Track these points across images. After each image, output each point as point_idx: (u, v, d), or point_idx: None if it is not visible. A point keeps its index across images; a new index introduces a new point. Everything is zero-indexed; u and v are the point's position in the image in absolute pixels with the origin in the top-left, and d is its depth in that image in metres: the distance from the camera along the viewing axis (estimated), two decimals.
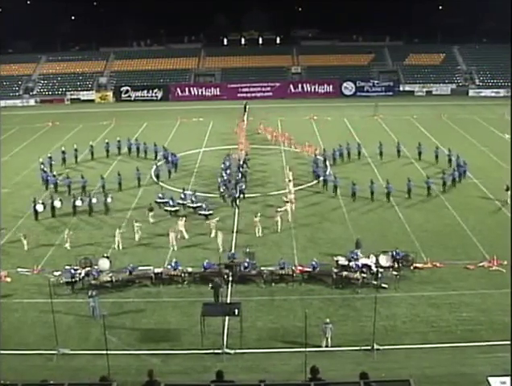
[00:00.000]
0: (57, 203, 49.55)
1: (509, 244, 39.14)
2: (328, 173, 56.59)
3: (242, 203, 50.38)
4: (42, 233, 45.78)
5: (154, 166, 58.91)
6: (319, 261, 38.24)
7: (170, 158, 60.73)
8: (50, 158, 61.19)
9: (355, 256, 38.47)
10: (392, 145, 64.39)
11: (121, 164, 63.16)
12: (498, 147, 64.59)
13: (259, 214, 45.67)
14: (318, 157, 60.50)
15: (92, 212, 49.90)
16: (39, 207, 48.65)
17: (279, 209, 47.02)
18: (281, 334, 32.22)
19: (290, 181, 53.74)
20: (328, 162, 60.13)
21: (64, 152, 63.56)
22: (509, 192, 49.96)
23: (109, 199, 50.74)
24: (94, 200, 50.44)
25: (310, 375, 18.34)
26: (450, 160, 59.35)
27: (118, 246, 42.77)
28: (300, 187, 54.51)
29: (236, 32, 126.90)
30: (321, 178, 55.43)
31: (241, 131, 69.66)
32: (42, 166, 58.47)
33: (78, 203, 49.96)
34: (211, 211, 47.75)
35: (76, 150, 63.92)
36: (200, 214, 47.80)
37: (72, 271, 37.26)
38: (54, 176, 56.67)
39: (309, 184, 55.30)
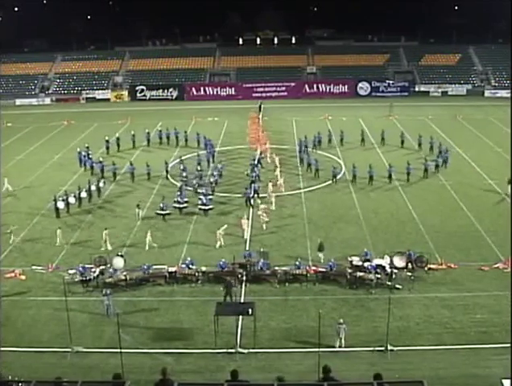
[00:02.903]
0: (72, 200, 50.11)
1: (510, 243, 39.13)
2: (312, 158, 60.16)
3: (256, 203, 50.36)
4: (55, 231, 45.98)
5: (196, 156, 61.37)
6: (335, 262, 38.26)
7: (208, 149, 63.22)
8: (87, 147, 63.73)
9: (368, 257, 38.48)
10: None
11: (162, 152, 66.44)
12: None
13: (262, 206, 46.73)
14: (302, 143, 63.90)
15: (91, 199, 52.02)
16: (60, 204, 48.99)
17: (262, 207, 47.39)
18: (294, 334, 32.23)
19: (276, 167, 56.63)
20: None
21: (107, 141, 67.29)
22: (510, 186, 51.03)
23: (101, 184, 53.44)
24: (93, 187, 52.65)
25: (322, 375, 18.34)
26: (432, 147, 63.72)
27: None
28: (314, 188, 54.56)
29: (251, 32, 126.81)
30: (305, 162, 60.32)
31: (257, 129, 69.72)
32: (84, 154, 61.88)
33: (83, 194, 51.33)
34: (211, 206, 49.17)
35: (118, 139, 68.77)
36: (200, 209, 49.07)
37: (82, 269, 37.55)
38: (100, 162, 59.85)
39: (323, 184, 55.24)
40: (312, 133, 68.22)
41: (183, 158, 60.87)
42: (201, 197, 49.31)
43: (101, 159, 60.86)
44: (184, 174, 55.65)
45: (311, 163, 58.91)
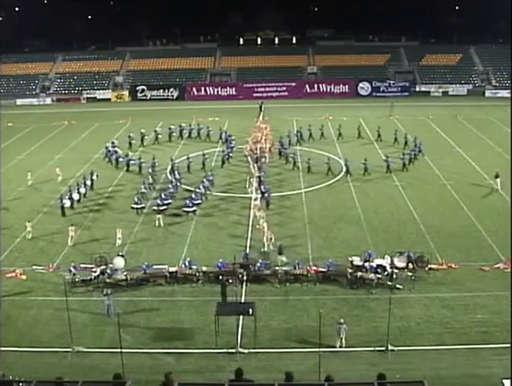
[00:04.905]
0: (75, 196, 51.03)
1: (510, 243, 39.13)
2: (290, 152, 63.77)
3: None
4: (57, 230, 45.97)
5: (222, 152, 64.31)
6: (334, 261, 38.26)
7: (227, 145, 65.43)
8: (113, 142, 65.94)
9: (369, 258, 38.46)
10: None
11: (186, 147, 68.35)
12: None
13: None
14: (283, 138, 67.08)
15: (86, 194, 52.96)
16: (67, 202, 49.25)
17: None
18: (295, 334, 32.24)
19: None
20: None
21: (130, 136, 69.03)
22: (498, 180, 52.48)
23: (94, 177, 54.65)
24: (89, 182, 53.88)
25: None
26: (406, 142, 65.79)
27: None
28: (315, 188, 54.57)
29: (251, 32, 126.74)
30: (283, 155, 63.13)
31: (261, 131, 70.27)
32: (110, 149, 64.12)
33: (82, 190, 52.36)
34: (195, 208, 49.00)
35: (142, 134, 70.37)
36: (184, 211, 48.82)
37: (72, 269, 37.54)
38: (127, 155, 62.64)
39: (324, 184, 55.28)
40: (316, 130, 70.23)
41: (205, 152, 62.39)
42: (187, 201, 49.03)
43: (130, 154, 63.33)
44: (151, 179, 55.48)
45: (289, 156, 61.78)
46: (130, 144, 68.09)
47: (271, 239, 41.99)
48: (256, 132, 68.29)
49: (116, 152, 63.25)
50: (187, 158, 60.10)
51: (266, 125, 71.52)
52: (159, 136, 71.28)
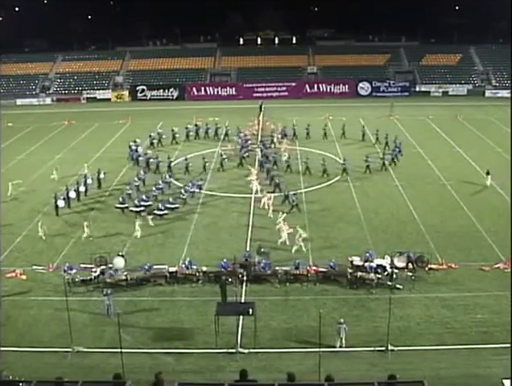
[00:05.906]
0: (72, 194, 51.37)
1: (510, 243, 39.12)
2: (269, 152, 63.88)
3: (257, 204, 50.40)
4: (56, 231, 45.96)
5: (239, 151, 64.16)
6: (335, 262, 38.23)
7: (242, 145, 65.76)
8: (135, 141, 66.22)
9: (370, 258, 38.43)
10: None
11: (203, 147, 69.00)
12: None
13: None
14: (264, 138, 69.16)
15: (87, 193, 53.28)
16: (60, 203, 49.28)
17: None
18: (295, 334, 32.20)
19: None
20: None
21: (150, 136, 69.81)
22: (488, 176, 53.93)
23: (102, 175, 54.96)
24: (89, 181, 53.93)
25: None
26: (387, 143, 65.50)
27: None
28: (315, 187, 54.57)
29: (251, 32, 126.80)
30: (264, 155, 62.47)
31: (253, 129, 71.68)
32: (134, 148, 64.64)
33: (81, 188, 52.74)
34: (166, 211, 48.33)
35: (158, 134, 70.87)
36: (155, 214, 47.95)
37: (66, 268, 37.47)
38: (145, 154, 63.72)
39: (324, 184, 55.27)
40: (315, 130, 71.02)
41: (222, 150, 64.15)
42: (159, 204, 48.56)
43: (149, 152, 64.07)
44: (138, 181, 54.98)
45: (269, 156, 61.76)
46: (152, 143, 68.66)
47: (301, 238, 41.79)
48: (246, 131, 70.28)
49: (137, 151, 63.85)
50: (203, 158, 60.45)
51: (277, 124, 72.82)
52: (177, 135, 71.26)
